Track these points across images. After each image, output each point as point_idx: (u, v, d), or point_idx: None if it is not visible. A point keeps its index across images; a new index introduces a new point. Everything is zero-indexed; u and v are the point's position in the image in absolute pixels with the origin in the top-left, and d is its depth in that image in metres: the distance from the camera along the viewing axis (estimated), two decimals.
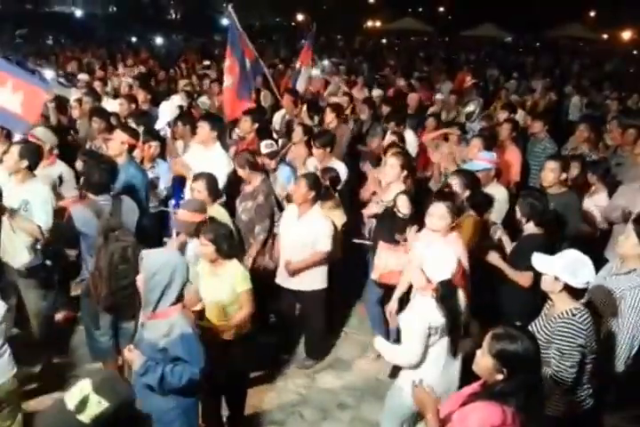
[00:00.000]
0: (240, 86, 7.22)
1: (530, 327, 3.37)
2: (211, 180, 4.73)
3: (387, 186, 5.21)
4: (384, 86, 11.67)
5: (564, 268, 3.18)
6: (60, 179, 5.38)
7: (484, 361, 2.63)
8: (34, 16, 31.80)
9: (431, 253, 3.50)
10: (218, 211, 4.71)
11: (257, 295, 4.10)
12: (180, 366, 3.08)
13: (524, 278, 4.20)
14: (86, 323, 4.52)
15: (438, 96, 9.95)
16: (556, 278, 3.22)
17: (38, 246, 4.56)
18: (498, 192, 5.26)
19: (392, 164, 5.08)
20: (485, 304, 4.28)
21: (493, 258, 4.44)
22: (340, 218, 5.14)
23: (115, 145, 5.32)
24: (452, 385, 3.51)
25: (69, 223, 4.27)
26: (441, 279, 3.37)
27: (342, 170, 5.85)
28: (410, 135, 7.09)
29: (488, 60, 22.21)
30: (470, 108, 8.83)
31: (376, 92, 10.44)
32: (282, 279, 5.00)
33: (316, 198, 4.80)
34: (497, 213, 5.16)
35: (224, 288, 3.93)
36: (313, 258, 4.82)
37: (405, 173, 5.08)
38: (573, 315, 3.20)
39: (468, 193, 4.75)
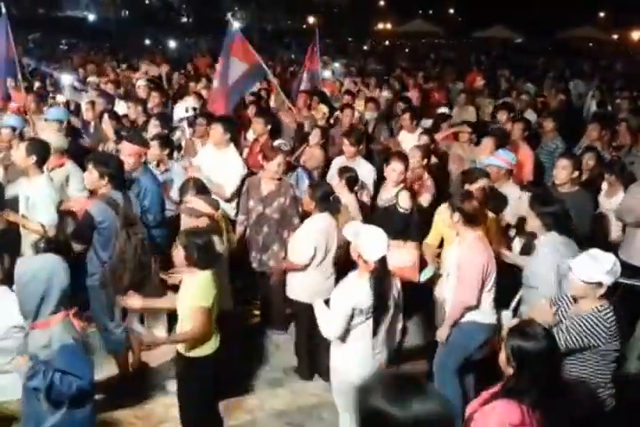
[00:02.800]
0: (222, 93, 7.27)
1: (555, 330, 3.36)
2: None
3: (385, 186, 5.24)
4: (400, 87, 11.73)
5: (608, 273, 3.19)
6: (68, 180, 5.42)
7: (501, 354, 2.71)
8: (47, 20, 32.10)
9: (361, 233, 3.52)
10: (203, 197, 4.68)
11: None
12: (71, 376, 2.90)
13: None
14: (99, 317, 4.60)
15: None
16: (599, 284, 3.20)
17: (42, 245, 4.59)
18: (512, 192, 5.26)
19: (395, 168, 5.07)
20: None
21: (507, 257, 4.49)
22: (354, 217, 5.08)
23: (127, 160, 5.09)
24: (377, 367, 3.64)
25: (86, 219, 4.34)
26: (376, 258, 3.43)
27: (370, 169, 5.90)
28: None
29: (499, 61, 22.16)
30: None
31: (385, 93, 10.45)
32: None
33: (319, 208, 4.69)
34: (510, 213, 5.14)
35: (181, 298, 3.79)
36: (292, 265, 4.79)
37: (406, 173, 5.14)
38: (599, 311, 3.23)
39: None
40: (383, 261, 3.49)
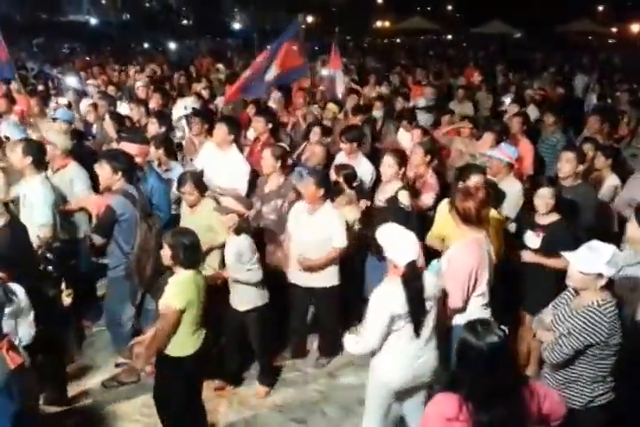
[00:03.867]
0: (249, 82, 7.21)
1: (554, 318, 3.39)
2: (195, 177, 4.84)
3: (384, 184, 5.21)
4: (400, 84, 11.75)
5: (607, 264, 3.15)
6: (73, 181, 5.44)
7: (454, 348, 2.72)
8: (50, 25, 32.20)
9: (391, 237, 3.50)
10: (207, 205, 4.77)
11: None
12: None
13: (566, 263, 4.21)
14: (115, 310, 4.68)
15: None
16: (599, 275, 3.17)
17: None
18: (512, 186, 5.27)
19: (389, 163, 5.08)
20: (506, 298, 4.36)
21: (530, 257, 4.48)
22: (353, 214, 5.13)
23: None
24: (425, 371, 3.60)
25: (108, 213, 4.47)
26: (406, 262, 3.40)
27: (368, 168, 5.88)
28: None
29: (497, 56, 22.16)
30: (507, 101, 8.89)
31: (383, 89, 10.48)
32: (295, 277, 4.96)
33: (326, 195, 4.76)
34: (511, 208, 5.16)
35: (163, 296, 3.79)
36: (330, 255, 4.75)
37: (402, 170, 5.11)
38: (599, 305, 3.18)
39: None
40: (414, 264, 3.43)
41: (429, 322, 3.54)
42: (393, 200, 4.92)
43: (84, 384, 4.81)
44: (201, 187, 4.83)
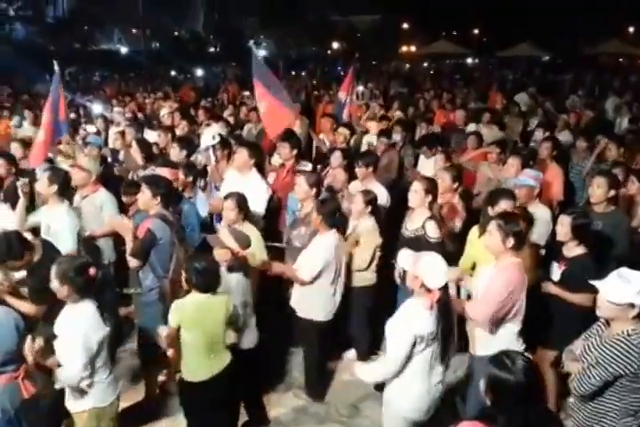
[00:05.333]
0: (279, 104, 7.19)
1: (583, 349, 3.29)
2: (241, 198, 4.79)
3: (412, 212, 5.10)
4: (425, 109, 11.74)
5: (638, 293, 3.04)
6: (103, 206, 5.53)
7: (481, 385, 2.66)
8: (82, 54, 33.15)
9: (425, 261, 3.45)
10: (249, 229, 4.71)
11: None
12: None
13: (585, 300, 4.06)
14: (148, 333, 4.65)
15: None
16: (631, 305, 3.07)
17: None
18: (540, 212, 5.15)
19: (416, 189, 4.98)
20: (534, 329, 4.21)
21: (551, 288, 4.34)
22: (374, 241, 5.07)
23: None
24: (437, 395, 3.55)
25: (147, 237, 4.52)
26: (440, 286, 3.36)
27: (383, 193, 5.81)
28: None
29: (525, 79, 22.07)
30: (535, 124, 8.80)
31: (398, 113, 10.47)
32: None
33: (329, 223, 4.69)
34: (539, 234, 5.03)
35: None
36: (295, 275, 4.71)
37: (430, 197, 4.96)
38: (629, 335, 3.09)
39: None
40: (445, 287, 3.42)
41: (447, 350, 3.54)
42: (420, 233, 4.82)
43: None
44: (243, 207, 4.78)
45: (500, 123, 10.13)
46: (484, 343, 3.88)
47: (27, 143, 7.25)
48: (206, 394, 3.86)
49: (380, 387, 4.27)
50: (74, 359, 3.29)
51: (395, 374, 3.48)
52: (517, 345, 3.85)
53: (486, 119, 9.62)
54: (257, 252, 4.60)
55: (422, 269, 3.40)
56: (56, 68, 7.19)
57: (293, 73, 22.92)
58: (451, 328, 3.50)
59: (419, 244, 4.72)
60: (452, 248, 4.87)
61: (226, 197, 4.83)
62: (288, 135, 7.04)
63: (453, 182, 5.51)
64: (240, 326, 4.30)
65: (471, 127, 9.27)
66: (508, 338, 3.85)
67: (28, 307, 3.87)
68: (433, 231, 4.72)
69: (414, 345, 3.37)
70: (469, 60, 38.55)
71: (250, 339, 4.46)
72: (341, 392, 5.09)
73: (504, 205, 4.65)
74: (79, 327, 3.35)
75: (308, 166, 5.97)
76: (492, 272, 3.88)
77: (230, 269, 4.29)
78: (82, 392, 3.47)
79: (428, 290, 3.39)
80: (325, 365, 5.11)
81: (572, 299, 4.21)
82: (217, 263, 4.00)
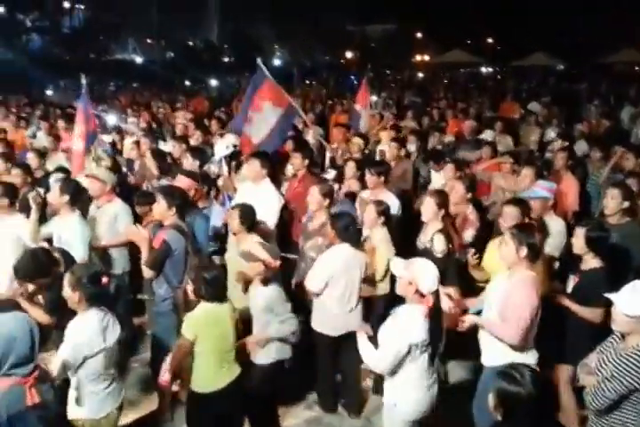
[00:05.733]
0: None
1: (598, 362, 3.26)
2: (245, 209, 4.81)
3: (426, 226, 5.05)
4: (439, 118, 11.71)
5: None
6: (117, 216, 5.56)
7: (489, 399, 2.67)
8: (97, 64, 33.52)
9: (417, 266, 3.51)
10: (252, 241, 4.67)
11: None
12: None
13: (594, 315, 4.04)
14: (165, 343, 4.66)
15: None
16: None
17: None
18: (554, 223, 5.11)
19: (428, 202, 4.96)
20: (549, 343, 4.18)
21: (562, 301, 4.27)
22: (385, 251, 5.03)
23: None
24: (433, 401, 3.62)
25: (163, 248, 4.54)
26: (433, 289, 3.41)
27: (395, 203, 5.80)
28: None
29: (540, 88, 21.98)
30: (551, 134, 8.73)
31: (410, 123, 10.45)
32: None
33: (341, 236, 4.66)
34: (554, 246, 4.99)
35: None
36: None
37: (442, 211, 4.94)
38: None
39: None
40: (436, 293, 3.49)
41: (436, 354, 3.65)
42: (429, 246, 4.81)
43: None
44: (246, 217, 4.77)
45: (515, 132, 10.08)
46: (499, 355, 3.83)
47: (42, 153, 7.32)
48: (216, 406, 3.85)
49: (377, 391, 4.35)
50: (58, 356, 3.36)
51: (385, 373, 3.57)
52: (532, 357, 3.82)
53: (499, 128, 9.58)
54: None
55: (415, 273, 3.46)
56: (83, 81, 7.28)
57: (307, 82, 23.01)
58: (440, 333, 3.61)
59: (427, 256, 4.69)
60: (464, 259, 4.83)
61: (232, 207, 4.92)
62: (300, 145, 7.07)
63: (467, 192, 5.50)
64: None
65: (486, 135, 9.23)
66: (530, 349, 3.83)
67: (43, 316, 3.89)
68: (439, 245, 4.68)
69: (408, 353, 3.43)
70: (483, 70, 38.46)
71: (284, 350, 4.43)
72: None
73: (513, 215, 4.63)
74: (77, 333, 3.39)
75: (332, 173, 5.95)
76: (507, 286, 3.82)
77: (265, 281, 4.25)
78: (77, 401, 3.50)
79: (422, 295, 3.44)
80: (337, 377, 5.07)
81: (581, 313, 4.16)
82: (224, 273, 4.04)
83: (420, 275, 3.46)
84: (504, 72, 34.44)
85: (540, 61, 30.79)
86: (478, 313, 4.09)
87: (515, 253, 3.79)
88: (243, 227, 4.73)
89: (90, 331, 3.43)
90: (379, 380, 4.45)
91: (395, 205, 5.75)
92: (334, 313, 4.66)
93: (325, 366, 4.90)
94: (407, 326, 3.43)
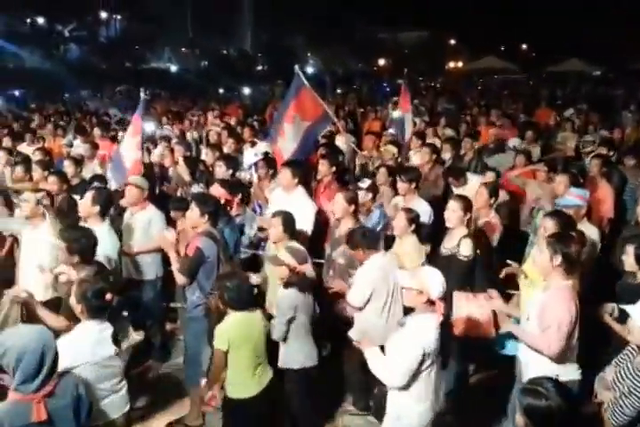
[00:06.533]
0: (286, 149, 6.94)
1: (615, 376, 3.16)
2: (287, 217, 4.86)
3: (451, 230, 5.00)
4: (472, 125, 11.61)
5: None
6: (151, 222, 5.64)
7: (518, 419, 2.59)
8: (133, 73, 34.15)
9: (421, 273, 3.48)
10: (293, 248, 4.73)
11: None
12: None
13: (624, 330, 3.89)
14: (195, 349, 4.74)
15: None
16: None
17: None
18: (588, 232, 5.02)
19: (453, 208, 4.91)
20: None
21: (607, 318, 4.14)
22: (416, 258, 5.01)
23: None
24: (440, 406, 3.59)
25: (197, 254, 4.61)
26: (441, 292, 3.36)
27: (426, 210, 5.76)
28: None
29: (574, 94, 21.64)
30: (589, 140, 8.61)
31: (449, 132, 10.36)
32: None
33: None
34: (587, 254, 4.88)
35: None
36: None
37: (468, 216, 4.91)
38: None
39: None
40: (446, 302, 3.48)
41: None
42: (454, 251, 4.76)
43: (149, 425, 4.82)
44: (288, 225, 4.84)
45: (549, 139, 9.92)
46: (541, 369, 3.66)
47: (78, 161, 7.48)
48: (255, 409, 3.91)
49: None
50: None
51: (397, 387, 3.45)
52: (574, 370, 3.70)
53: (529, 138, 9.42)
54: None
55: (424, 282, 3.43)
56: (142, 94, 7.47)
57: (339, 91, 23.03)
58: (448, 343, 3.51)
59: (450, 262, 4.70)
60: (490, 264, 4.78)
61: (273, 215, 4.93)
62: (331, 151, 7.08)
63: (490, 197, 5.50)
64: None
65: (513, 142, 9.12)
66: (570, 362, 3.72)
67: (60, 321, 3.92)
68: (466, 249, 4.65)
69: (422, 362, 3.35)
70: (518, 76, 38.00)
71: (311, 356, 4.45)
72: None
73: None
74: (65, 343, 3.35)
75: (366, 183, 5.95)
76: (543, 298, 3.74)
77: (288, 285, 4.31)
78: None
79: (432, 303, 3.40)
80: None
81: (616, 329, 4.02)
82: (248, 280, 4.09)
83: (428, 282, 3.43)
84: (539, 78, 33.94)
85: (576, 67, 30.38)
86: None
87: (548, 262, 3.73)
88: (285, 235, 4.79)
89: (78, 343, 3.44)
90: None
91: (426, 212, 5.73)
92: (373, 323, 4.60)
93: (358, 375, 4.83)
94: (419, 336, 3.37)
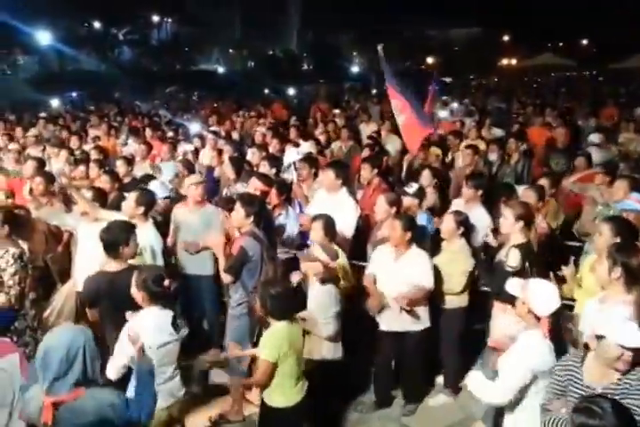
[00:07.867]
0: (418, 118, 7.02)
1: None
2: (329, 220, 4.89)
3: (505, 237, 4.82)
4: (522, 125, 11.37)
5: None
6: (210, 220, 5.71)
7: None
8: (182, 75, 34.76)
9: (534, 286, 3.30)
10: (325, 244, 4.79)
11: None
12: None
13: None
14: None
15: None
16: None
17: None
18: None
19: (506, 215, 4.69)
20: None
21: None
22: (463, 262, 4.95)
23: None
24: None
25: (241, 254, 4.69)
26: (548, 313, 3.18)
27: (486, 219, 5.59)
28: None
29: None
30: None
31: (499, 132, 10.17)
32: (386, 324, 4.88)
33: (412, 240, 4.75)
34: None
35: (259, 348, 3.92)
36: (417, 295, 4.66)
37: (521, 223, 4.63)
38: None
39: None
40: (558, 314, 3.28)
41: None
42: (503, 260, 4.60)
43: (191, 418, 4.82)
44: (329, 229, 4.89)
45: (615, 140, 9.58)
46: None
47: (130, 160, 7.69)
48: (295, 418, 3.93)
49: None
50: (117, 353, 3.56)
51: (501, 404, 3.34)
52: None
53: (599, 139, 9.00)
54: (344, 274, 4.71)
55: (528, 294, 3.26)
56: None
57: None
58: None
59: (498, 269, 4.57)
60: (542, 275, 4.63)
61: (314, 219, 4.95)
62: (370, 155, 7.05)
63: (538, 201, 5.36)
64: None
65: (594, 138, 8.89)
66: None
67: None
68: (513, 260, 4.43)
69: (533, 381, 3.19)
70: (577, 73, 36.55)
71: (336, 351, 4.56)
72: (429, 418, 5.01)
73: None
74: (136, 326, 3.53)
75: (414, 187, 5.93)
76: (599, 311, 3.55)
77: (323, 281, 4.43)
78: None
79: (537, 318, 3.23)
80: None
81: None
82: (292, 289, 4.08)
83: (532, 296, 3.25)
84: (602, 75, 32.61)
85: None
86: None
87: (606, 273, 3.56)
88: (326, 238, 4.83)
89: (152, 324, 3.59)
90: None
91: (485, 220, 5.56)
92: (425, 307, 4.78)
93: (384, 362, 5.04)
94: (525, 353, 3.20)
